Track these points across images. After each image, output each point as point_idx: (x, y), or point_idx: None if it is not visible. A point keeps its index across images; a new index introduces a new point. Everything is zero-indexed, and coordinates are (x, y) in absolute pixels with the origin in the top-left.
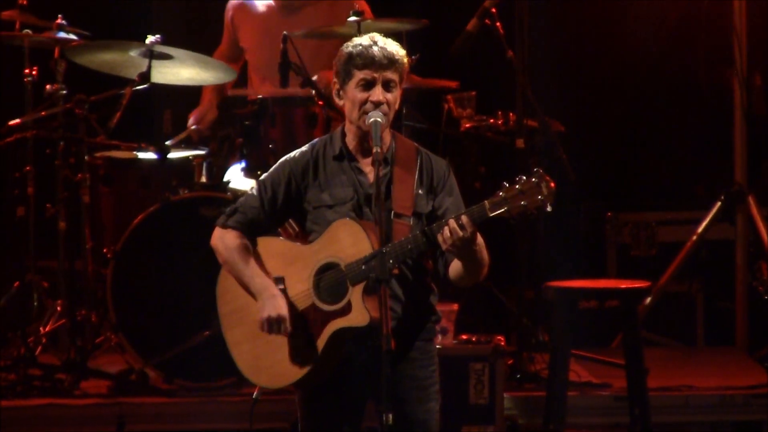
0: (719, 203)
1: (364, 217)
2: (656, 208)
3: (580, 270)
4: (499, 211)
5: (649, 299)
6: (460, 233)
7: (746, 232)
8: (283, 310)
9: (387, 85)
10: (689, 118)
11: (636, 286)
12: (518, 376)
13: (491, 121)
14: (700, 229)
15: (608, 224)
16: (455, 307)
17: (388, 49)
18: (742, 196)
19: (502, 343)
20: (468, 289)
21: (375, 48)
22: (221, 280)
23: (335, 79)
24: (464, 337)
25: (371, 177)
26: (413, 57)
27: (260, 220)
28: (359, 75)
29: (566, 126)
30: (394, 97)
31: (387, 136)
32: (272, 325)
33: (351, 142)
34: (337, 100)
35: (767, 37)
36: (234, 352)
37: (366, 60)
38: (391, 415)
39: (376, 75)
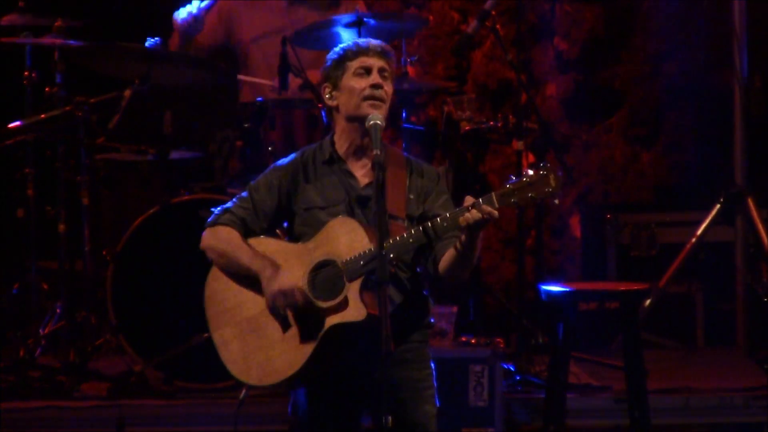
0: (719, 205)
1: (356, 219)
2: (656, 210)
3: (580, 271)
4: (506, 203)
5: (648, 300)
6: (481, 215)
7: (746, 233)
8: (292, 280)
9: (383, 73)
10: (689, 119)
11: (635, 287)
12: (518, 378)
13: (491, 123)
14: (699, 231)
15: (608, 225)
16: (455, 309)
17: (379, 42)
18: (741, 198)
19: (502, 345)
20: (467, 291)
21: (364, 40)
22: (209, 283)
23: (326, 83)
24: (464, 339)
25: (361, 180)
26: (412, 59)
27: (250, 222)
28: (354, 65)
29: (566, 128)
30: (389, 86)
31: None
32: (286, 295)
33: (342, 145)
34: (330, 102)
35: (767, 38)
36: (222, 351)
37: (359, 50)
38: (390, 418)
39: (371, 61)
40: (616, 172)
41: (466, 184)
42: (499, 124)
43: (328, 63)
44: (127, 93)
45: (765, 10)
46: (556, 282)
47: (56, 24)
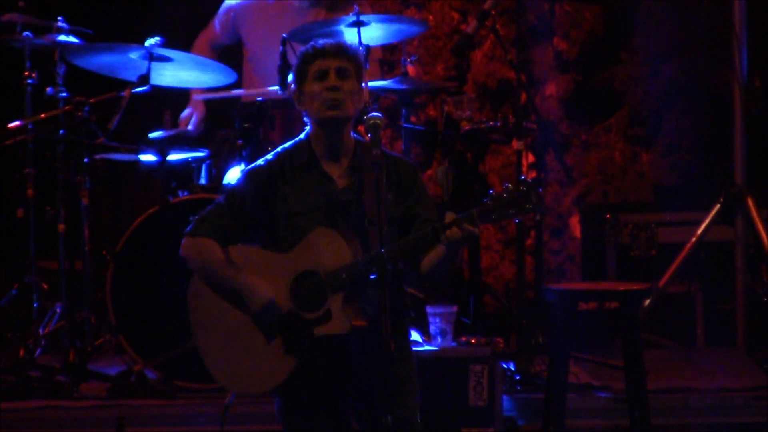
0: (718, 205)
1: (337, 224)
2: (656, 210)
3: (580, 271)
4: (487, 221)
5: (648, 300)
6: (461, 233)
7: (745, 233)
8: (272, 294)
9: (341, 73)
10: (689, 119)
11: (635, 287)
12: (518, 377)
13: (491, 123)
14: (699, 231)
15: (608, 225)
16: (454, 308)
17: (337, 42)
18: (741, 198)
19: (502, 345)
20: (467, 291)
21: (323, 41)
22: (192, 289)
23: (295, 87)
24: (463, 338)
25: (339, 182)
26: (412, 59)
27: (229, 229)
28: (313, 69)
29: (566, 128)
30: (350, 84)
31: (350, 141)
32: (268, 310)
33: (317, 147)
34: (299, 106)
35: (767, 38)
36: (207, 360)
37: (316, 52)
38: (390, 417)
39: (328, 64)
40: (615, 172)
41: (466, 184)
42: (499, 124)
43: (293, 68)
44: (127, 93)
45: (765, 10)
46: (556, 282)
47: (56, 24)
